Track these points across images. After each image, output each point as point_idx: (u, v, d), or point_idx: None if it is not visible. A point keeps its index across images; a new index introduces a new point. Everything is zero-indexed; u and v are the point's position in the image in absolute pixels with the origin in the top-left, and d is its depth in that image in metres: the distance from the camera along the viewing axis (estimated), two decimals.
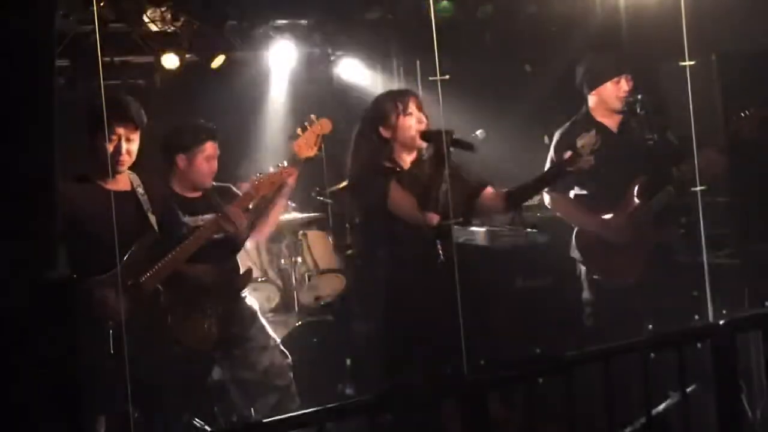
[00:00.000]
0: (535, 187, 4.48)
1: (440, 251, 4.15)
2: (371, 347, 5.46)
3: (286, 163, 4.30)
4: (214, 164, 4.63)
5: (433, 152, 4.06)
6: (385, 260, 4.36)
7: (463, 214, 4.43)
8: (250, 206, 4.34)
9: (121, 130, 3.89)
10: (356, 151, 4.33)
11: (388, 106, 4.30)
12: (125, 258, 3.84)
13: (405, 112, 4.25)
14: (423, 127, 4.25)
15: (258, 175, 4.29)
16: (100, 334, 3.69)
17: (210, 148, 4.59)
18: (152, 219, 4.00)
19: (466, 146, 4.02)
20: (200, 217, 4.47)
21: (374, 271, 4.46)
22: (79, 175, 3.96)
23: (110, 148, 3.87)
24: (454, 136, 4.01)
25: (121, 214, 3.79)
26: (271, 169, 4.29)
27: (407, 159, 4.31)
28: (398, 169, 4.27)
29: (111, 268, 3.75)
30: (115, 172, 3.92)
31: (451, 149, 3.99)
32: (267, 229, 4.82)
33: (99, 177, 3.96)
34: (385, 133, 4.26)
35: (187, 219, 4.40)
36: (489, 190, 4.39)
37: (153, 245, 3.97)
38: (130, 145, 3.94)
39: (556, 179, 4.50)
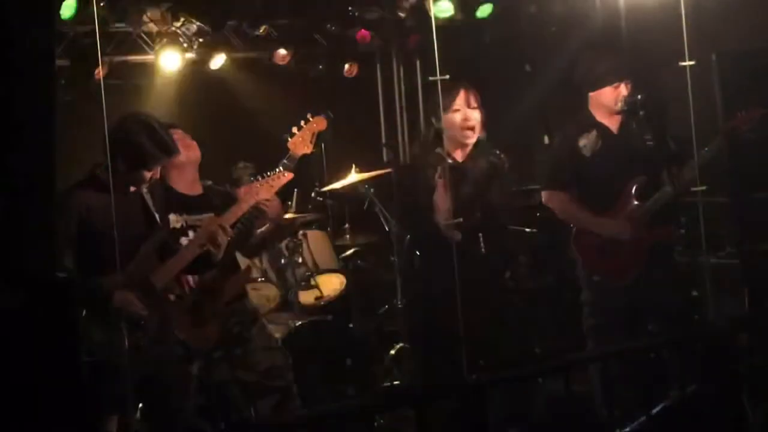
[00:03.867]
0: None
1: (482, 244, 4.18)
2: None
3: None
4: (187, 172, 4.37)
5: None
6: (426, 248, 4.39)
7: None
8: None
9: (160, 165, 3.96)
10: (416, 136, 4.41)
11: (436, 97, 4.24)
12: (137, 256, 3.85)
13: (451, 108, 4.29)
14: (471, 124, 4.28)
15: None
16: (115, 333, 3.68)
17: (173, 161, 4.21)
18: (158, 217, 3.99)
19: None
20: (199, 216, 4.43)
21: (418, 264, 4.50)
22: (92, 178, 3.94)
23: (147, 175, 3.92)
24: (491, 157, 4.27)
25: (131, 213, 3.86)
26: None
27: (459, 153, 4.35)
28: (450, 161, 4.26)
29: (124, 267, 3.75)
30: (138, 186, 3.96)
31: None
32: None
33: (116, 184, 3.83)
34: (436, 123, 4.33)
35: (185, 217, 4.38)
36: None
37: (162, 243, 3.97)
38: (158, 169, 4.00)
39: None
